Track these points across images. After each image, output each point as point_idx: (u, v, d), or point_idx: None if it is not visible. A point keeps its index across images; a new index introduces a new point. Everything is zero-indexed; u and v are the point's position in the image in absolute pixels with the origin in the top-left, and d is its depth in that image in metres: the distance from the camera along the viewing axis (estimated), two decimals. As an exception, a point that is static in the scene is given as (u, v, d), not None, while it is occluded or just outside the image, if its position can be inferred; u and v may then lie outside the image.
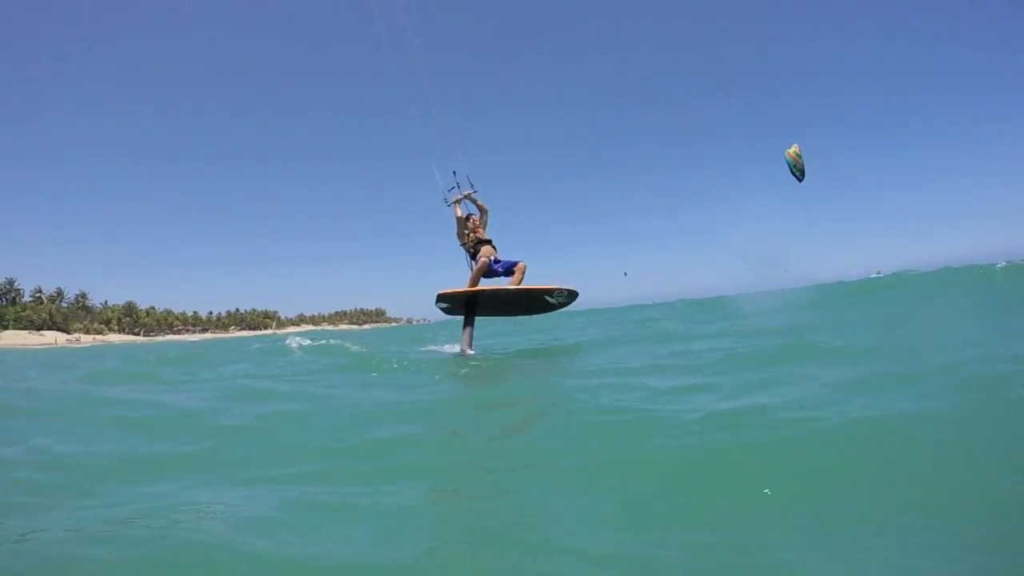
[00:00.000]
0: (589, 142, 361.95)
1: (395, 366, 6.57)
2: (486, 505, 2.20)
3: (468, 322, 7.89)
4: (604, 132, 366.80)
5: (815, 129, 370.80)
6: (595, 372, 5.21)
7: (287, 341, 11.47)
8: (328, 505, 2.11)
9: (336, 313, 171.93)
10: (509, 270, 7.82)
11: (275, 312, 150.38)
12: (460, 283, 7.89)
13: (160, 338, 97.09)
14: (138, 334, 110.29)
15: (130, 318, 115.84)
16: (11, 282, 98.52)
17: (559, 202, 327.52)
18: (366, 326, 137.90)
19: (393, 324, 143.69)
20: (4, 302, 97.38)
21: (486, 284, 7.90)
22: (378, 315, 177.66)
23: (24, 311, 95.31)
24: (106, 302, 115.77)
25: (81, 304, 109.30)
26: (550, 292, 7.76)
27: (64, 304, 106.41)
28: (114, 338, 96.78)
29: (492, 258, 7.90)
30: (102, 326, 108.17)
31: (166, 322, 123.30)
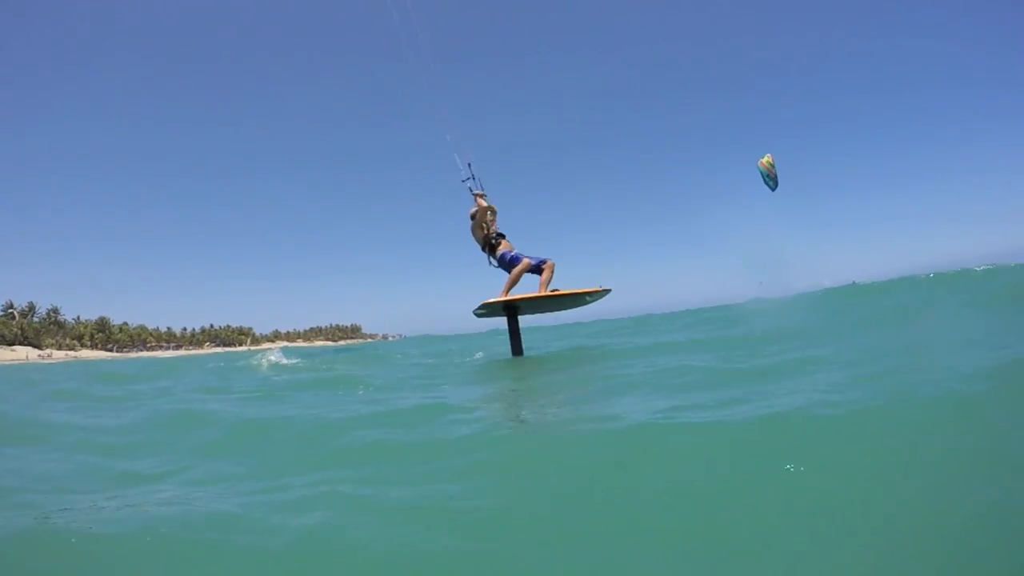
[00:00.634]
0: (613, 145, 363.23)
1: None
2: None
3: (513, 328, 8.39)
4: (605, 134, 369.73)
5: (822, 130, 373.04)
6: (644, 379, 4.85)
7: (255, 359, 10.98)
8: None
9: (311, 329, 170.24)
10: (538, 268, 8.00)
11: (250, 328, 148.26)
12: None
13: (133, 354, 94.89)
14: (111, 350, 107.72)
15: (103, 334, 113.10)
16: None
17: (559, 202, 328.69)
18: (341, 342, 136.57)
19: (369, 340, 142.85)
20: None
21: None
22: (353, 331, 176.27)
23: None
24: (78, 317, 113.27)
25: (53, 319, 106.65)
26: (591, 293, 8.16)
27: (36, 319, 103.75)
28: (87, 354, 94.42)
29: (521, 255, 8.03)
30: (74, 342, 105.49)
31: (139, 338, 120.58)
